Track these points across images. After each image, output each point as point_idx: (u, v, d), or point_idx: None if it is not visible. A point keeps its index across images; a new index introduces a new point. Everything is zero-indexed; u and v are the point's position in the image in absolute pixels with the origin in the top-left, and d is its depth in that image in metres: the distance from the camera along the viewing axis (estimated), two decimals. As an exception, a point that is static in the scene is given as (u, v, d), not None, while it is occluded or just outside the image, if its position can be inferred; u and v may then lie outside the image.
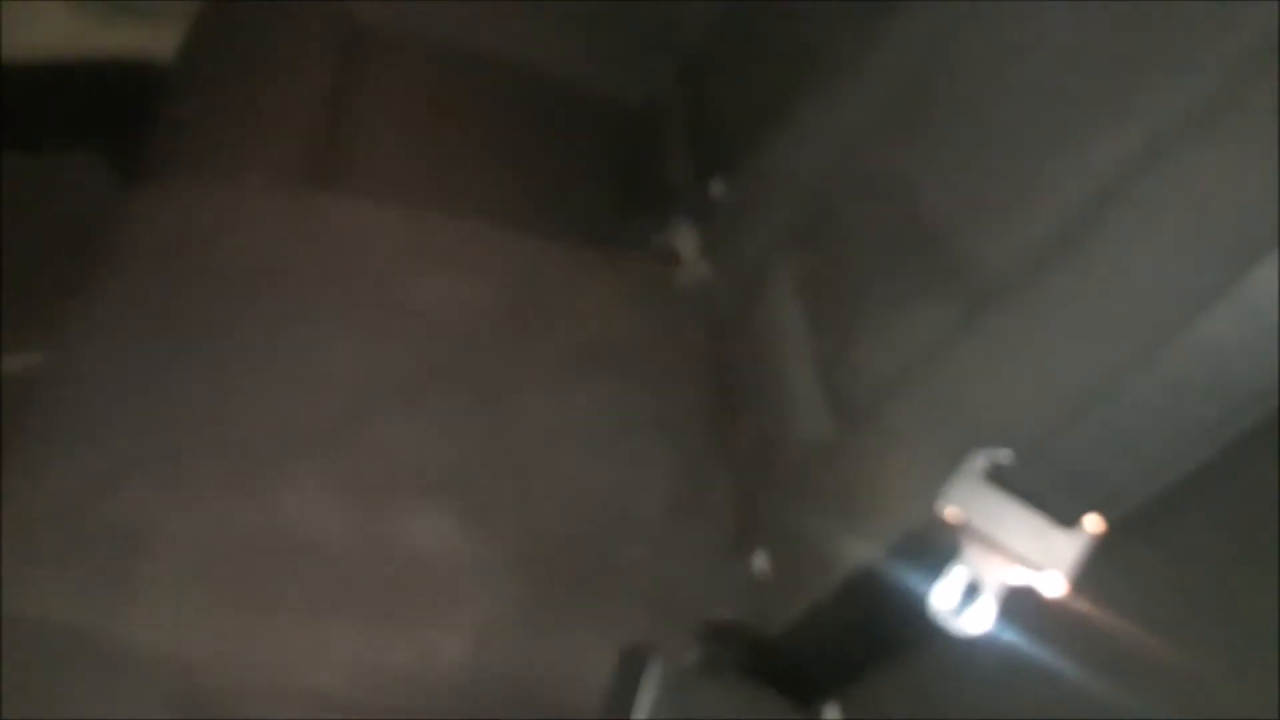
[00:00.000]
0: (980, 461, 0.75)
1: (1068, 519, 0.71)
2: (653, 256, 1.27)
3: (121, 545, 0.86)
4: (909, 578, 0.78)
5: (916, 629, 0.78)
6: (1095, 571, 0.71)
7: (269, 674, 0.84)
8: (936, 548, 0.76)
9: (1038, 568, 0.72)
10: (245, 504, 0.91)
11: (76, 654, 0.82)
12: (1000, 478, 0.74)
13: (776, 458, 1.00)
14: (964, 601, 0.75)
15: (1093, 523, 0.71)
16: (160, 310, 1.04)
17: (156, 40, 1.44)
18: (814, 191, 1.09)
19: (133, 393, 0.97)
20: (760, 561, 0.97)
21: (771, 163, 1.18)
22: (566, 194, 1.34)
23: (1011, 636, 0.75)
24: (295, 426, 0.97)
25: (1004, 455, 0.75)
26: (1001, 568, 0.73)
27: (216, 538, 0.88)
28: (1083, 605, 0.73)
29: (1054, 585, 0.72)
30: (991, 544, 0.74)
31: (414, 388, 1.03)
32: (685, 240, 1.27)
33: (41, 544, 0.86)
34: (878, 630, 0.83)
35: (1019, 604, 0.74)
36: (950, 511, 0.75)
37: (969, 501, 0.75)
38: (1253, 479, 0.67)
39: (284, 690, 0.84)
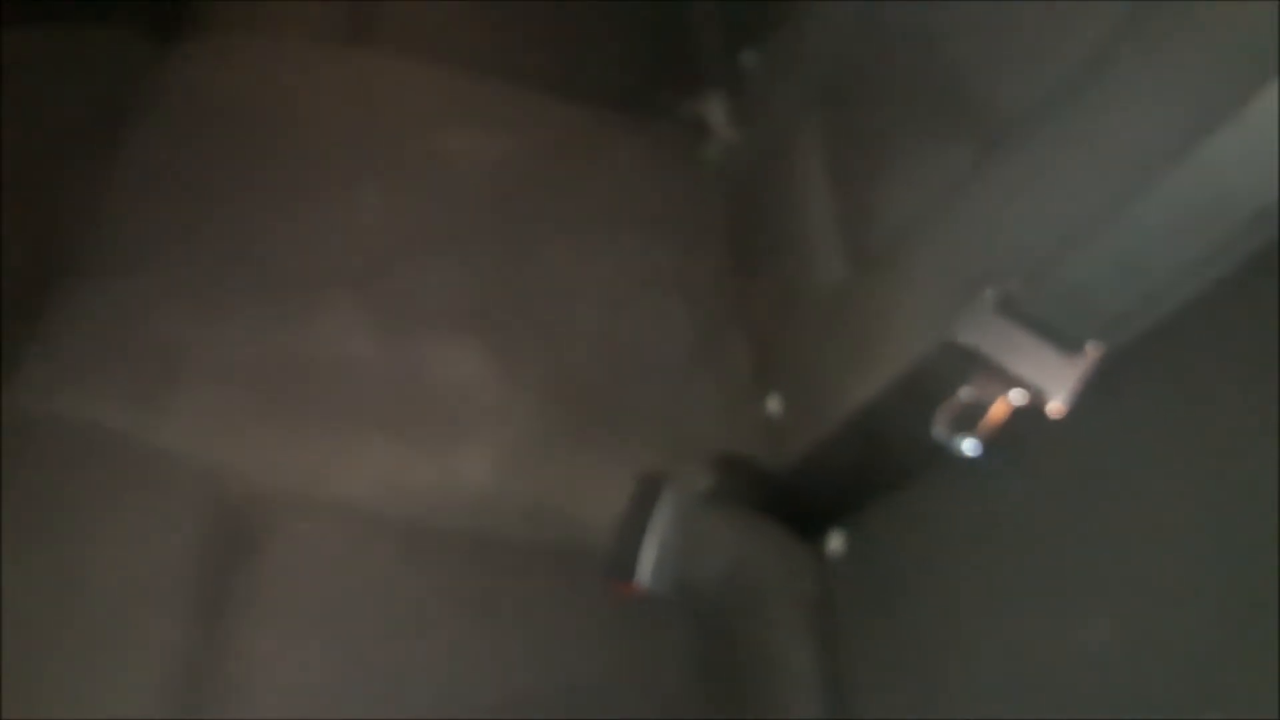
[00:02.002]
0: (990, 294, 0.77)
1: (1071, 344, 0.73)
2: (682, 124, 1.28)
3: (157, 360, 0.90)
4: (916, 405, 0.80)
5: (920, 456, 0.80)
6: (1095, 396, 0.73)
7: (297, 482, 0.88)
8: (943, 375, 0.78)
9: (1040, 391, 0.74)
10: (276, 328, 0.94)
11: (119, 455, 0.85)
12: (1007, 307, 0.76)
13: (794, 307, 1.02)
14: (967, 424, 0.77)
15: (1094, 347, 0.72)
16: (195, 157, 1.07)
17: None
18: (841, 54, 1.10)
19: (166, 233, 1.00)
20: (774, 404, 1.00)
21: (800, 29, 1.18)
22: (599, 63, 1.34)
23: (1011, 460, 0.77)
24: (325, 264, 1.00)
25: (1012, 284, 0.76)
26: (1004, 391, 0.75)
27: (248, 357, 0.92)
28: (1082, 429, 0.74)
29: (1054, 408, 0.74)
30: (996, 369, 0.76)
31: (441, 234, 1.06)
32: (714, 110, 1.28)
33: (84, 356, 0.90)
34: (883, 459, 0.85)
35: (1020, 428, 0.76)
36: (958, 337, 0.77)
37: (976, 329, 0.77)
38: (1255, 306, 0.68)
39: (311, 498, 0.87)
